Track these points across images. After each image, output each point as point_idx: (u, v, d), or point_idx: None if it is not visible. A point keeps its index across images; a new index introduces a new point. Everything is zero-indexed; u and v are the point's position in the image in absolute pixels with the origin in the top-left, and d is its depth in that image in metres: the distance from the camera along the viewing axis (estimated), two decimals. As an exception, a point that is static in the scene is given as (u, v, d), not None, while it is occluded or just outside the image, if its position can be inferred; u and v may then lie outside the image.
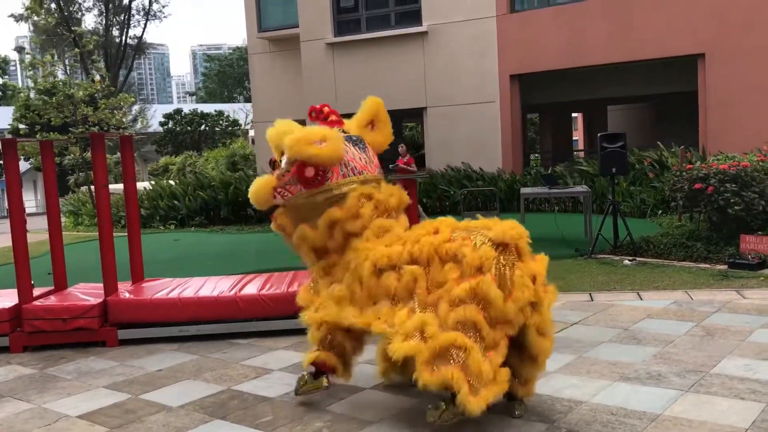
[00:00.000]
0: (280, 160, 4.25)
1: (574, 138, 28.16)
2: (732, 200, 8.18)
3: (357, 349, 4.20)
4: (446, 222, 3.89)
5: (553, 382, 4.34)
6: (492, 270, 3.50)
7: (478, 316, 3.44)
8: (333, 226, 4.06)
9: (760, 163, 8.81)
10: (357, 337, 4.12)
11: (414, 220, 5.51)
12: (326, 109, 4.37)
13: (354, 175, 4.11)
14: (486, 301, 3.46)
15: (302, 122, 4.37)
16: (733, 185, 8.26)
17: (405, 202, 4.29)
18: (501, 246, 3.57)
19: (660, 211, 11.67)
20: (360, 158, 4.18)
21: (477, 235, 3.64)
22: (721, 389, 4.10)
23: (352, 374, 4.25)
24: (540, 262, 3.72)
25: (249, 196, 4.31)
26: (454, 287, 3.52)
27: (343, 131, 4.29)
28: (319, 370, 4.15)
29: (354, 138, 4.28)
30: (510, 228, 3.62)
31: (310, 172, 4.03)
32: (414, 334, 3.53)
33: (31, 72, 22.45)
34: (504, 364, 3.59)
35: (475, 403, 3.33)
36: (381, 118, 4.43)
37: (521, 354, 3.72)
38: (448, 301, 3.51)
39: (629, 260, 8.28)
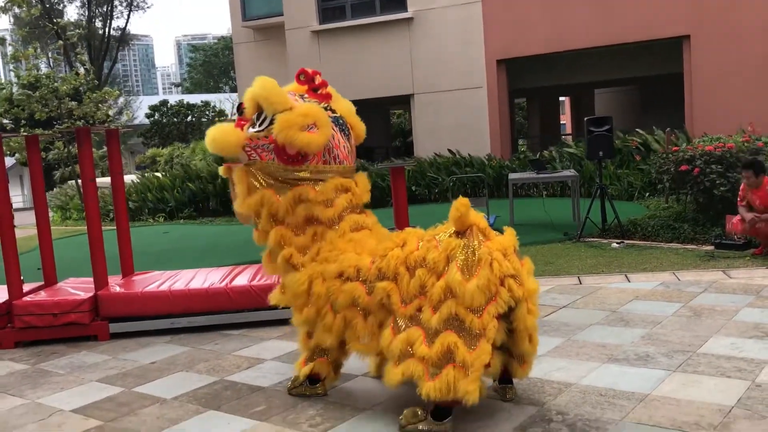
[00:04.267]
0: (257, 115, 3.93)
1: (562, 122, 28.24)
2: (718, 181, 8.26)
3: (345, 354, 4.14)
4: (413, 233, 3.83)
5: (543, 365, 4.38)
6: (459, 257, 3.43)
7: (458, 308, 3.37)
8: (299, 203, 3.90)
9: (745, 144, 8.88)
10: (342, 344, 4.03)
11: (403, 208, 5.54)
12: (318, 78, 4.10)
13: (336, 163, 3.98)
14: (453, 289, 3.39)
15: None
16: (719, 166, 8.34)
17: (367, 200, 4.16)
18: (464, 232, 3.50)
19: (647, 194, 11.75)
20: (344, 147, 4.06)
21: (442, 234, 3.59)
22: (708, 368, 4.17)
23: (339, 376, 4.26)
24: (508, 236, 3.61)
25: (209, 140, 3.93)
26: (433, 291, 3.46)
27: (331, 108, 4.09)
28: (316, 378, 4.16)
29: (340, 120, 4.10)
30: (462, 205, 3.47)
31: (292, 151, 3.85)
32: (403, 355, 3.49)
33: (14, 65, 22.22)
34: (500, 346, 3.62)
35: (473, 394, 3.32)
36: (351, 123, 4.25)
37: (514, 332, 3.64)
38: (430, 307, 3.46)
39: (617, 243, 8.34)
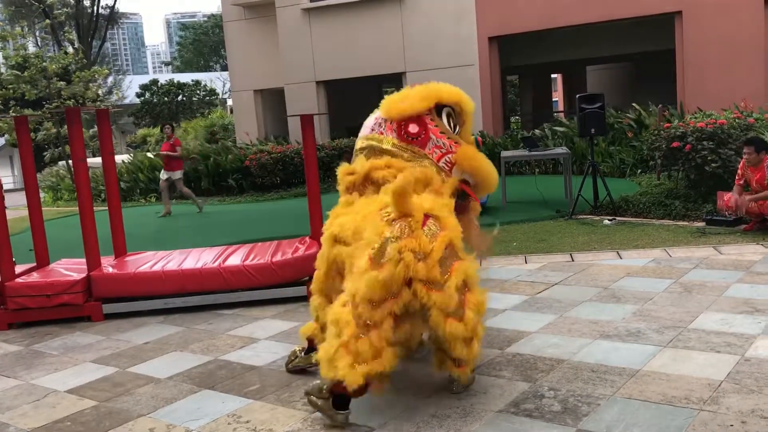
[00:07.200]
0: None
1: (554, 99, 28.18)
2: (709, 158, 8.27)
3: None
4: (380, 201, 3.73)
5: (535, 342, 4.42)
6: (375, 244, 3.39)
7: (358, 293, 3.36)
8: None
9: (737, 121, 8.89)
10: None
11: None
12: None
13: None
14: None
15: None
16: (710, 143, 8.35)
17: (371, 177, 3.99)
18: (399, 219, 3.43)
19: (639, 171, 11.77)
20: (368, 128, 4.07)
21: (386, 210, 3.53)
22: (698, 343, 4.21)
23: None
24: (441, 237, 3.45)
25: None
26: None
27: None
28: (311, 346, 4.16)
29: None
30: (405, 180, 3.40)
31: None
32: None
33: (1, 45, 21.97)
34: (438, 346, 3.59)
35: (352, 376, 3.27)
36: None
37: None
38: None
39: (609, 220, 8.37)
